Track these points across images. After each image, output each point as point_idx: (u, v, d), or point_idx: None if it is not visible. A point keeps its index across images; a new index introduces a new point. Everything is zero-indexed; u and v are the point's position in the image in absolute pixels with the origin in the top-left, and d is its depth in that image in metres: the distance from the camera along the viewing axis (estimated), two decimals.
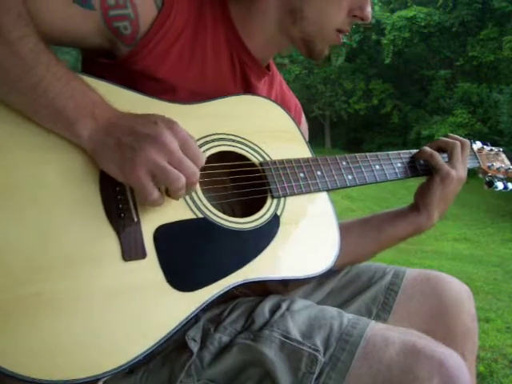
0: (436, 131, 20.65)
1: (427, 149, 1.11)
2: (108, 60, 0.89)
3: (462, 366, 0.76)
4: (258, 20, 0.99)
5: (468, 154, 1.13)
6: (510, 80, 18.91)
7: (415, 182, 1.16)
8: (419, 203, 1.09)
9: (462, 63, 22.42)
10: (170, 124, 0.73)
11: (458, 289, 1.06)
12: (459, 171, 1.07)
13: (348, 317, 0.85)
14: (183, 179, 0.71)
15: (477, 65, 21.72)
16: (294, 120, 1.05)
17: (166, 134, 0.71)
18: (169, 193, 0.74)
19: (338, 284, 1.11)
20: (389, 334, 0.79)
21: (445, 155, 1.12)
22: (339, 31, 0.99)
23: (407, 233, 1.10)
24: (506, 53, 19.08)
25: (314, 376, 0.76)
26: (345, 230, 1.00)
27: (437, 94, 23.35)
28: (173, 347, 0.84)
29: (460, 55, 22.61)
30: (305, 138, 1.06)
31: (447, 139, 1.13)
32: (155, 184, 0.72)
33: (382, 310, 1.04)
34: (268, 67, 1.09)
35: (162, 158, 0.70)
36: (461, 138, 1.14)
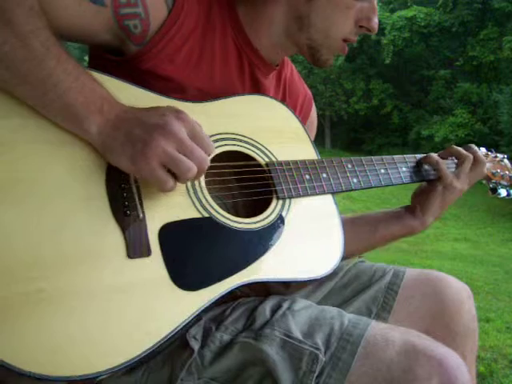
0: (436, 131, 20.64)
1: (434, 155, 1.12)
2: (116, 57, 0.90)
3: (461, 366, 0.76)
4: (266, 25, 1.00)
5: (480, 172, 1.13)
6: (510, 80, 18.89)
7: (416, 184, 1.17)
8: (416, 207, 1.11)
9: (462, 63, 22.39)
10: (178, 113, 0.74)
11: (457, 289, 1.06)
12: (462, 183, 1.09)
13: (348, 317, 0.85)
14: (195, 169, 0.72)
15: (477, 65, 21.69)
16: (299, 120, 1.06)
17: (174, 123, 0.72)
18: (177, 179, 0.74)
19: (338, 284, 1.12)
20: (389, 334, 0.80)
21: (449, 161, 1.13)
22: (345, 40, 1.00)
23: (400, 234, 1.13)
24: (506, 53, 19.05)
25: (315, 375, 0.76)
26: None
27: (437, 94, 23.33)
28: (174, 346, 0.84)
29: (460, 55, 22.58)
30: (311, 139, 1.06)
31: (461, 150, 1.14)
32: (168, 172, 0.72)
33: (382, 309, 1.05)
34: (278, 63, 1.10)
35: (173, 147, 0.71)
36: (480, 156, 1.14)
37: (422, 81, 24.95)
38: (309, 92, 1.25)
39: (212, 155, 0.86)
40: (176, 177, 0.73)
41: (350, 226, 1.09)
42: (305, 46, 1.01)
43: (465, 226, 12.26)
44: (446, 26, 22.41)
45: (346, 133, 27.74)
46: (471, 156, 1.12)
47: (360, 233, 1.11)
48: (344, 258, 1.11)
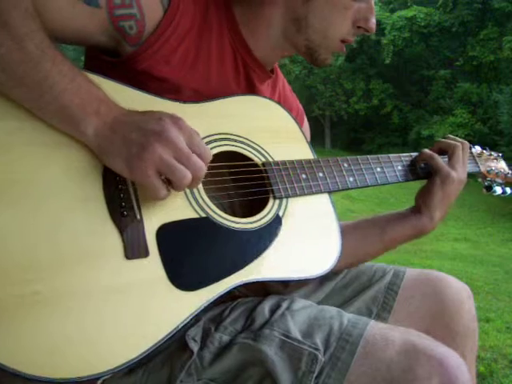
0: (436, 131, 20.63)
1: (427, 151, 1.12)
2: (112, 58, 0.90)
3: (461, 366, 0.76)
4: (263, 26, 1.00)
5: (468, 156, 1.14)
6: (510, 80, 18.89)
7: (415, 183, 1.17)
8: (421, 205, 1.10)
9: (462, 63, 22.38)
10: (175, 120, 0.73)
11: (457, 288, 1.06)
12: (459, 172, 1.08)
13: (348, 316, 0.85)
14: (189, 176, 0.72)
15: (477, 65, 21.68)
16: (296, 121, 1.06)
17: (171, 130, 0.71)
18: (172, 186, 0.73)
19: (338, 284, 1.12)
20: (389, 334, 0.80)
21: (445, 158, 1.13)
22: (343, 41, 1.00)
23: (410, 235, 1.10)
24: (505, 53, 19.04)
25: (314, 375, 0.76)
26: (347, 231, 1.00)
27: (437, 94, 23.32)
28: (173, 347, 0.84)
29: (460, 55, 22.56)
30: (307, 139, 1.06)
31: (448, 140, 1.14)
32: (162, 180, 0.72)
33: (382, 309, 1.05)
34: (272, 70, 1.10)
35: (169, 154, 0.70)
36: (461, 140, 1.15)
37: (422, 81, 24.94)
38: (300, 107, 1.26)
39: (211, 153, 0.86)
40: (171, 184, 0.73)
41: (355, 230, 1.08)
42: (303, 47, 1.01)
43: (465, 226, 12.26)
44: (446, 25, 22.39)
45: (346, 133, 27.74)
46: (459, 143, 1.12)
47: (368, 236, 1.09)
48: (353, 265, 1.11)
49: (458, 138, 1.16)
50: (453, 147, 1.11)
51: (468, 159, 1.14)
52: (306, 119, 1.26)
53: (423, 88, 24.95)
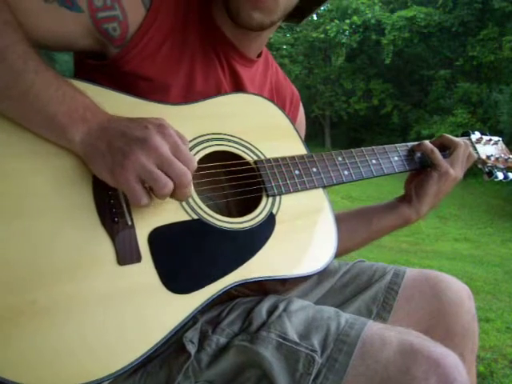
0: (436, 131, 20.61)
1: (428, 143, 1.12)
2: (99, 61, 0.89)
3: (459, 366, 0.75)
4: (222, 11, 0.96)
5: (467, 157, 1.14)
6: (510, 80, 18.87)
7: None
8: (412, 195, 1.10)
9: (461, 63, 22.35)
10: (161, 128, 0.73)
11: (457, 289, 1.06)
12: (456, 171, 1.09)
13: (345, 317, 0.84)
14: (170, 185, 0.70)
15: (477, 65, 21.66)
16: (288, 117, 1.05)
17: (156, 138, 0.70)
18: (155, 194, 0.72)
19: (337, 283, 1.11)
20: (386, 334, 0.79)
21: (444, 153, 1.13)
22: None
23: (396, 224, 1.12)
24: (505, 53, 19.03)
25: (312, 377, 0.76)
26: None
27: (437, 94, 23.30)
28: (171, 349, 0.84)
29: (460, 55, 22.54)
30: (300, 135, 1.05)
31: (451, 137, 1.14)
32: (145, 188, 0.71)
33: (382, 309, 1.04)
34: (260, 54, 1.09)
35: (151, 162, 0.69)
36: (463, 140, 1.16)
37: (422, 81, 24.91)
38: (295, 91, 1.24)
39: (196, 160, 0.83)
40: (154, 192, 0.72)
41: (344, 221, 1.09)
42: (227, 10, 0.93)
43: (465, 225, 12.24)
44: (446, 25, 22.36)
45: (346, 133, 27.70)
46: (462, 143, 1.12)
47: (355, 228, 1.11)
48: (339, 255, 1.11)
49: (461, 139, 1.16)
50: (455, 145, 1.12)
51: (466, 160, 1.14)
52: (301, 105, 1.25)
53: (423, 88, 24.93)
